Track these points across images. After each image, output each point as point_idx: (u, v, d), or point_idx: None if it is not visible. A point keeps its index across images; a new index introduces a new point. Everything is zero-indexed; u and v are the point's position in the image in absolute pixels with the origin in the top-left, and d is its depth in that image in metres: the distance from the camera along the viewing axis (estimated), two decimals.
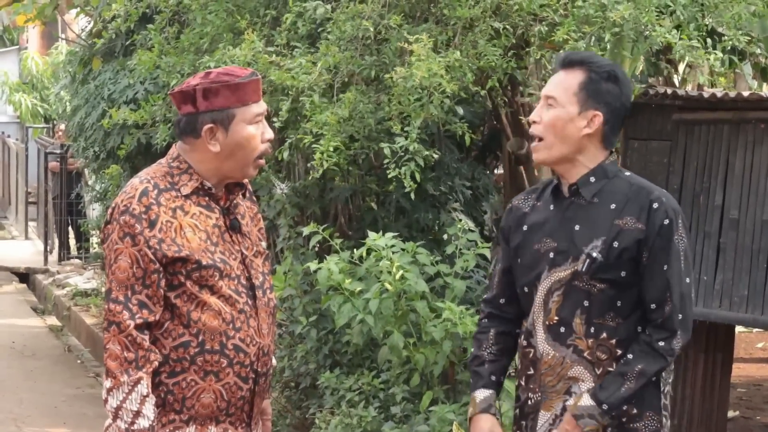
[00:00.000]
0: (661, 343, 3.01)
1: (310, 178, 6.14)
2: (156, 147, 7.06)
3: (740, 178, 5.54)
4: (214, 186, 3.02)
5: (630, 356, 3.01)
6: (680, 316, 3.02)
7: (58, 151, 15.03)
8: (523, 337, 3.19)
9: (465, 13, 5.59)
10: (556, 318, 3.09)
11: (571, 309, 3.07)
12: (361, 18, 5.74)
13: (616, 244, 3.03)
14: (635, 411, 3.07)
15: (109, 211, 2.97)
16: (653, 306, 3.03)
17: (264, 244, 3.17)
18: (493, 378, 3.23)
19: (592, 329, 3.05)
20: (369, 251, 5.56)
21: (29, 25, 9.89)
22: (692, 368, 5.92)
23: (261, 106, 3.01)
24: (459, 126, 5.70)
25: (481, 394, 3.22)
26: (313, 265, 5.62)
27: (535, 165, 6.98)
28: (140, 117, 6.85)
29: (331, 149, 5.42)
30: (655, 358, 3.01)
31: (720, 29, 6.22)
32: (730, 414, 6.68)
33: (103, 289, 11.46)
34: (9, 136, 21.57)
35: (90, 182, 12.88)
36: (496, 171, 8.87)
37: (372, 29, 5.72)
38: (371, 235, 5.61)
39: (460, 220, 6.33)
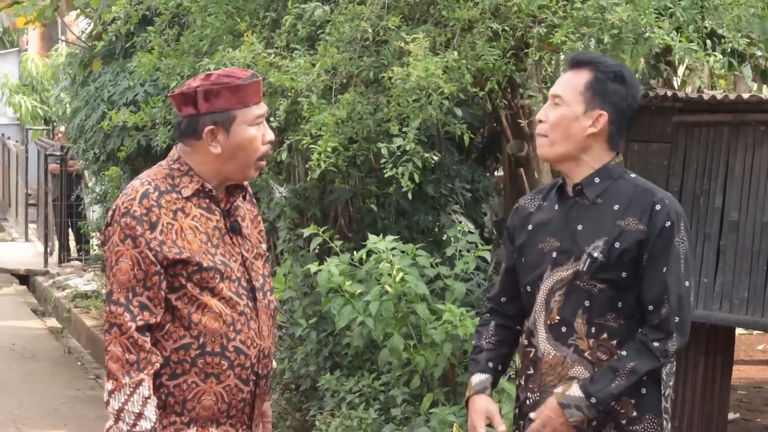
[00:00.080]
0: (656, 344, 3.02)
1: (309, 179, 6.14)
2: (156, 149, 7.07)
3: (740, 181, 5.54)
4: (214, 188, 3.02)
5: (624, 353, 3.02)
6: (677, 318, 3.02)
7: (58, 153, 15.04)
8: (524, 336, 3.20)
9: (464, 14, 5.60)
10: (558, 318, 3.09)
11: (573, 309, 3.07)
12: (359, 19, 5.75)
13: (617, 244, 3.03)
14: (635, 413, 3.07)
15: (110, 213, 2.97)
16: (651, 307, 3.04)
17: (264, 246, 3.17)
18: (490, 365, 3.25)
19: (593, 329, 3.06)
20: (369, 253, 5.56)
21: (29, 26, 9.90)
22: (692, 370, 5.92)
23: (262, 108, 3.02)
24: (458, 127, 5.70)
25: (477, 378, 3.24)
26: (313, 267, 5.62)
27: (536, 167, 6.99)
28: (140, 119, 6.85)
29: (329, 150, 5.42)
30: (649, 358, 3.01)
31: (720, 31, 6.22)
32: (730, 416, 6.68)
33: (104, 291, 11.46)
34: (9, 138, 21.57)
35: (90, 184, 12.88)
36: (496, 173, 8.88)
37: (371, 31, 5.72)
38: (371, 237, 5.61)
39: (460, 222, 6.33)
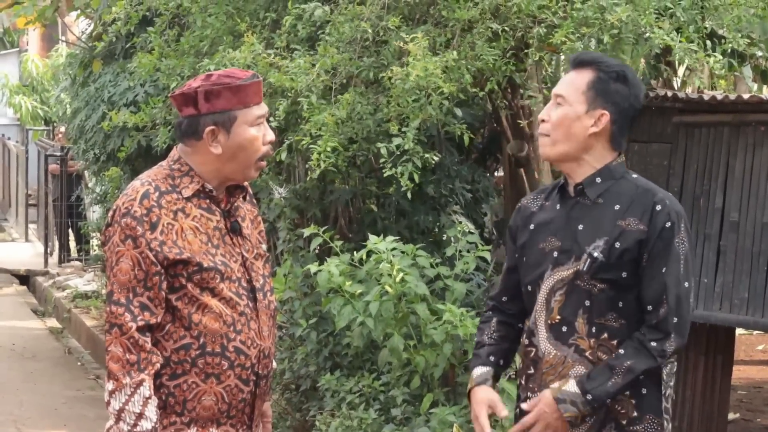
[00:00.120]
0: (653, 344, 3.02)
1: (309, 179, 6.14)
2: (156, 149, 7.07)
3: (740, 181, 5.54)
4: (215, 188, 3.02)
5: (621, 351, 3.03)
6: (675, 319, 3.03)
7: (58, 154, 15.04)
8: (525, 335, 3.21)
9: (463, 14, 5.60)
10: (558, 317, 3.10)
11: (573, 308, 3.08)
12: (359, 20, 5.75)
13: (617, 244, 3.04)
14: (636, 414, 3.07)
15: (110, 213, 2.97)
16: (650, 307, 3.04)
17: (264, 246, 3.17)
18: (491, 358, 3.25)
19: (594, 329, 3.06)
20: (369, 254, 5.57)
21: (29, 27, 9.90)
22: (692, 370, 5.92)
23: (262, 108, 3.02)
24: (458, 127, 5.70)
25: (478, 371, 3.24)
26: (313, 268, 5.62)
27: (536, 168, 6.99)
28: (140, 119, 6.85)
29: (329, 150, 5.42)
30: (646, 358, 3.01)
31: (720, 32, 6.22)
32: (731, 416, 6.68)
33: (104, 292, 11.46)
34: (9, 139, 21.58)
35: (90, 184, 12.89)
36: (496, 173, 8.88)
37: (370, 31, 5.73)
38: (372, 237, 5.61)
39: (460, 223, 6.33)
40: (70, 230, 14.97)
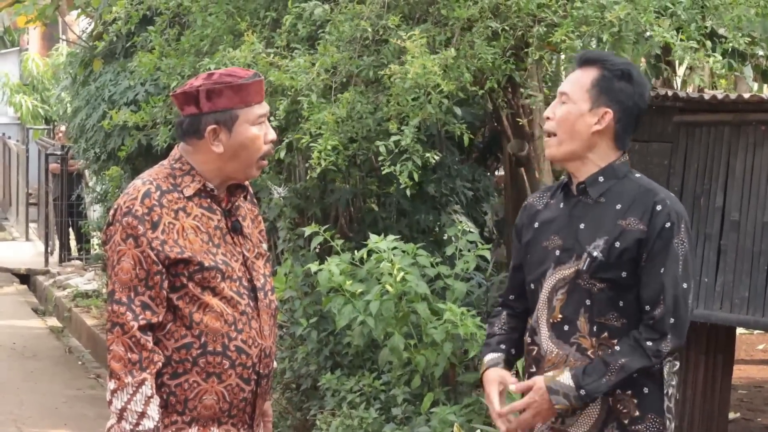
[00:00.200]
0: (649, 343, 3.02)
1: (309, 179, 6.14)
2: (157, 148, 7.07)
3: (741, 180, 5.54)
4: (216, 187, 3.02)
5: (617, 348, 3.03)
6: (672, 319, 3.02)
7: (58, 153, 15.04)
8: (527, 334, 3.21)
9: (463, 13, 5.60)
10: (560, 316, 3.10)
11: (575, 307, 3.08)
12: (359, 19, 5.75)
13: (617, 244, 3.04)
14: (638, 413, 3.07)
15: (111, 212, 2.97)
16: (647, 307, 3.04)
17: (265, 246, 3.17)
18: (502, 346, 3.25)
19: (595, 328, 3.07)
20: (370, 253, 5.57)
21: (30, 26, 9.91)
22: (693, 370, 5.92)
23: (264, 107, 3.02)
24: (457, 126, 5.70)
25: (489, 356, 3.24)
26: (313, 267, 5.63)
27: (537, 167, 6.99)
28: (141, 118, 6.85)
29: (329, 148, 5.42)
30: (640, 357, 3.01)
31: (720, 31, 6.22)
32: (731, 416, 6.68)
33: (104, 291, 11.47)
34: (10, 138, 21.57)
35: (90, 183, 12.89)
36: (496, 173, 8.88)
37: (370, 30, 5.73)
38: (372, 237, 5.61)
39: (461, 222, 6.33)
40: (70, 229, 14.97)
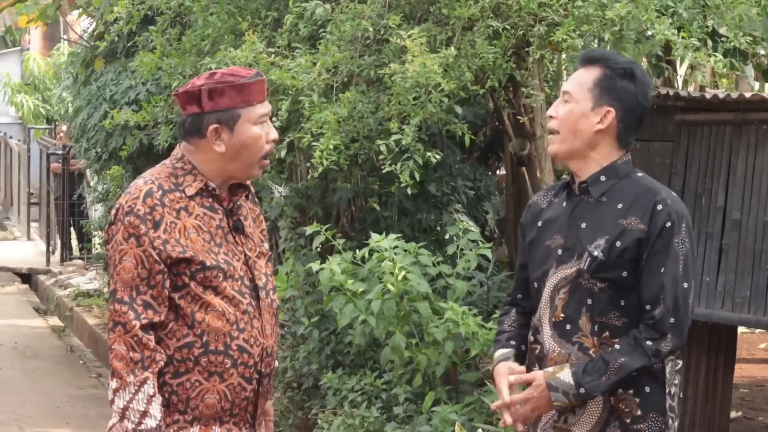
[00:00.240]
0: (649, 343, 3.02)
1: (310, 177, 6.15)
2: (158, 148, 7.08)
3: (742, 180, 5.54)
4: (218, 187, 3.02)
5: (617, 347, 3.03)
6: (672, 319, 3.02)
7: (60, 152, 15.04)
8: (530, 332, 3.21)
9: (464, 12, 5.60)
10: (562, 315, 3.10)
11: (577, 307, 3.08)
12: (360, 18, 5.75)
13: (618, 243, 3.04)
14: (639, 412, 3.07)
15: (113, 212, 2.98)
16: (648, 307, 3.04)
17: (266, 245, 3.18)
18: (512, 342, 3.25)
19: (596, 327, 3.07)
20: (371, 252, 5.57)
21: (31, 26, 9.90)
22: (695, 369, 5.92)
23: (266, 107, 3.02)
24: (459, 126, 5.71)
25: (500, 352, 3.25)
26: (315, 266, 5.63)
27: (538, 166, 6.99)
28: (142, 118, 6.86)
29: (331, 148, 5.43)
30: (640, 356, 3.02)
31: (722, 30, 6.22)
32: (733, 415, 6.68)
33: (106, 290, 11.48)
34: (11, 137, 21.58)
35: (92, 183, 12.90)
36: (498, 172, 8.88)
37: (371, 29, 5.73)
38: (374, 236, 5.61)
39: (462, 221, 6.33)
40: (72, 229, 14.98)
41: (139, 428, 2.88)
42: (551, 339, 3.13)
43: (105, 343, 9.52)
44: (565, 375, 3.03)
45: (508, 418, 3.12)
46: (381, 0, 5.85)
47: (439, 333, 5.34)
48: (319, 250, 6.36)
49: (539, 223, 3.21)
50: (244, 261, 3.03)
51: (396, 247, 5.53)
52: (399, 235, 5.83)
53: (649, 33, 5.35)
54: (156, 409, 2.89)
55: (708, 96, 5.80)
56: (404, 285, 5.38)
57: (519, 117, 6.61)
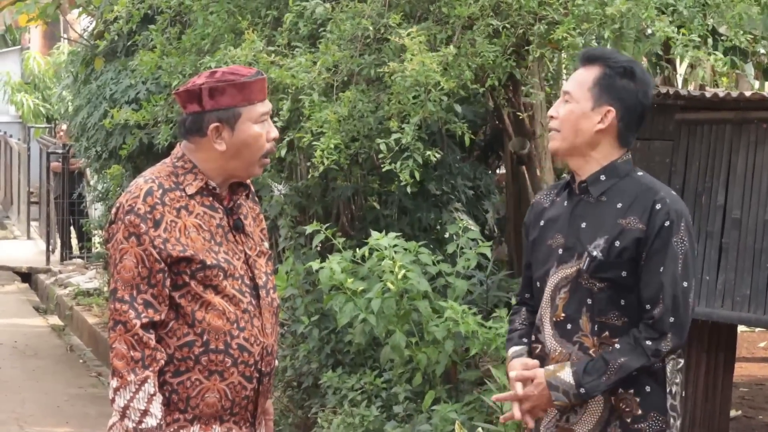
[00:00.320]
0: (648, 343, 3.02)
1: (311, 177, 6.15)
2: (158, 147, 7.08)
3: (742, 178, 5.54)
4: (218, 185, 3.02)
5: (617, 346, 3.03)
6: (672, 318, 3.02)
7: (60, 151, 15.04)
8: (533, 332, 3.21)
9: (464, 11, 5.60)
10: (563, 315, 3.10)
11: (577, 306, 3.08)
12: (360, 17, 5.75)
13: (617, 243, 3.04)
14: (640, 411, 3.07)
15: (114, 210, 2.98)
16: (647, 306, 3.04)
17: (266, 244, 3.18)
18: (524, 340, 3.24)
19: (596, 327, 3.07)
20: (371, 251, 5.57)
21: (31, 25, 9.90)
22: (694, 368, 5.92)
23: (266, 105, 3.02)
24: (458, 125, 5.71)
25: (513, 350, 3.24)
26: (315, 265, 5.63)
27: (538, 165, 6.99)
28: (142, 117, 6.86)
29: (332, 147, 5.43)
30: (639, 356, 3.01)
31: (721, 29, 6.22)
32: (733, 413, 6.68)
33: (106, 289, 11.48)
34: (11, 136, 21.58)
35: (92, 182, 12.89)
36: (497, 171, 8.88)
37: (371, 28, 5.73)
38: (374, 234, 5.61)
39: (462, 220, 6.33)
40: (71, 228, 14.97)
41: (140, 427, 2.88)
42: (552, 338, 3.13)
43: (105, 342, 9.53)
44: (566, 374, 3.03)
45: (517, 413, 3.11)
46: None
47: (439, 332, 5.34)
48: (319, 248, 6.36)
49: (541, 223, 3.21)
50: (244, 260, 3.03)
51: (396, 245, 5.53)
52: (399, 233, 5.83)
53: (649, 31, 5.35)
54: (157, 408, 2.89)
55: (708, 95, 5.80)
56: (404, 284, 5.38)
57: (519, 114, 6.61)
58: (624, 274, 3.04)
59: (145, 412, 2.88)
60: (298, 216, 6.72)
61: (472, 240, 5.82)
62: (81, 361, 10.27)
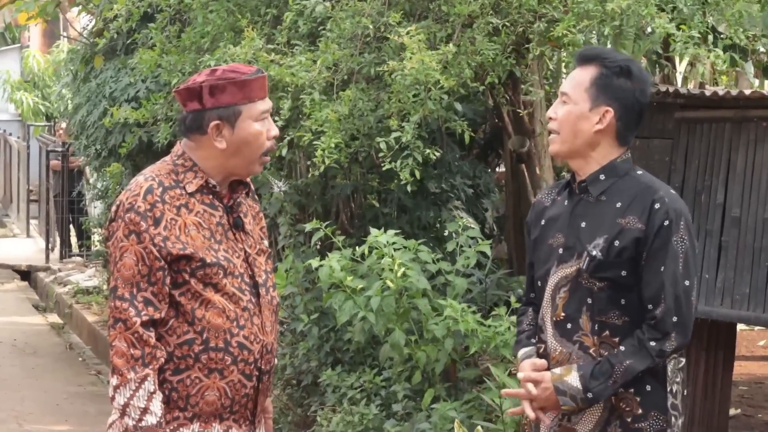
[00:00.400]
0: (653, 343, 3.01)
1: (311, 175, 6.15)
2: (157, 145, 7.07)
3: (742, 177, 5.54)
4: (218, 183, 3.03)
5: (622, 348, 3.03)
6: (675, 318, 3.02)
7: (59, 150, 15.04)
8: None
9: (464, 9, 5.60)
10: (563, 314, 3.10)
11: (577, 306, 3.08)
12: (360, 16, 5.75)
13: (617, 242, 3.04)
14: (640, 411, 3.07)
15: (114, 208, 2.98)
16: (650, 306, 3.04)
17: (266, 242, 3.18)
18: (533, 341, 3.24)
19: (596, 326, 3.07)
20: (371, 249, 5.57)
21: (31, 23, 9.90)
22: (694, 366, 5.92)
23: (267, 103, 3.02)
24: (458, 124, 5.71)
25: (522, 351, 3.24)
26: (314, 263, 5.63)
27: (537, 163, 6.99)
28: (141, 115, 6.86)
29: (333, 146, 5.43)
30: (644, 357, 3.01)
31: (721, 28, 6.22)
32: (732, 412, 6.68)
33: (105, 287, 11.48)
34: (11, 134, 21.58)
35: (91, 180, 12.89)
36: (497, 169, 8.89)
37: (371, 27, 5.73)
38: (372, 231, 5.61)
39: (461, 218, 6.33)
40: (71, 226, 14.98)
41: (140, 425, 2.88)
42: (553, 338, 3.13)
43: (104, 340, 9.53)
44: (573, 379, 3.03)
45: (530, 412, 3.11)
46: None
47: (438, 330, 5.34)
48: (318, 246, 6.36)
49: (542, 222, 3.21)
50: (244, 258, 3.04)
51: (395, 243, 5.53)
52: (398, 231, 5.83)
53: (649, 30, 5.35)
54: (157, 406, 2.89)
55: (707, 93, 5.80)
56: (404, 282, 5.38)
57: (518, 111, 6.61)
58: (624, 273, 3.04)
59: (145, 410, 2.88)
60: (297, 214, 6.72)
61: (472, 238, 5.82)
62: (80, 359, 10.28)
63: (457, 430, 4.55)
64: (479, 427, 4.81)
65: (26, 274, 14.80)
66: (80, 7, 9.28)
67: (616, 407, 3.08)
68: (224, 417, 3.00)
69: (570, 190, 3.18)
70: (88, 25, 10.30)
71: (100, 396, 8.51)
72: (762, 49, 7.31)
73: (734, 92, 5.74)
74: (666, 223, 3.02)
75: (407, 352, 5.47)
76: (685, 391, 3.18)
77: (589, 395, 3.02)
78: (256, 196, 3.25)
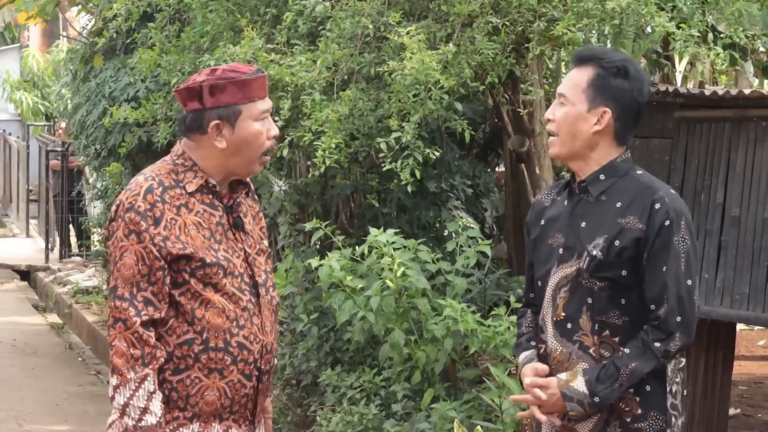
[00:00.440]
0: (657, 344, 3.01)
1: (311, 175, 6.15)
2: (157, 145, 7.07)
3: (741, 176, 5.54)
4: (218, 183, 3.03)
5: (627, 351, 3.03)
6: (679, 318, 3.02)
7: (59, 149, 15.04)
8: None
9: (463, 9, 5.60)
10: (563, 314, 3.10)
11: (577, 306, 3.08)
12: (360, 15, 5.75)
13: (617, 242, 3.04)
14: (640, 411, 3.07)
15: (114, 208, 2.98)
16: (653, 307, 3.04)
17: (266, 242, 3.18)
18: (533, 343, 3.24)
19: (596, 326, 3.07)
20: (370, 248, 5.57)
21: (30, 22, 9.90)
22: (693, 366, 5.92)
23: (267, 103, 3.02)
24: (458, 123, 5.71)
25: (523, 355, 3.24)
26: (314, 262, 5.63)
27: (537, 163, 6.99)
28: (141, 115, 6.86)
29: (333, 146, 5.43)
30: (649, 359, 3.01)
31: (720, 27, 6.22)
32: (731, 412, 6.68)
33: (105, 287, 11.48)
34: (10, 134, 21.57)
35: (91, 180, 12.88)
36: (497, 169, 8.88)
37: (371, 27, 5.73)
38: (372, 230, 5.61)
39: (461, 218, 6.33)
40: (70, 226, 14.97)
41: (140, 425, 2.88)
42: (553, 338, 3.13)
43: (104, 340, 9.53)
44: (579, 384, 3.03)
45: (541, 416, 3.11)
46: None
47: (438, 330, 5.34)
48: (318, 246, 6.36)
49: (542, 222, 3.21)
50: (243, 258, 3.03)
51: (394, 243, 5.53)
52: (398, 231, 5.82)
53: (649, 29, 5.36)
54: (156, 406, 2.89)
55: (707, 93, 5.80)
56: (403, 281, 5.38)
57: (518, 111, 6.61)
58: (624, 273, 3.04)
59: (144, 410, 2.88)
60: (297, 214, 6.72)
61: (472, 238, 5.82)
62: (80, 359, 10.27)
63: (456, 430, 4.55)
64: (479, 427, 4.81)
65: (26, 274, 14.80)
66: (80, 6, 9.28)
67: (615, 407, 3.08)
68: (224, 417, 3.00)
69: (570, 190, 3.18)
70: (87, 24, 10.30)
71: (99, 396, 8.51)
72: (762, 49, 7.31)
73: (734, 92, 5.74)
74: (667, 223, 3.02)
75: (407, 352, 5.47)
76: (685, 391, 3.17)
77: (596, 399, 3.02)
78: (256, 196, 3.25)
